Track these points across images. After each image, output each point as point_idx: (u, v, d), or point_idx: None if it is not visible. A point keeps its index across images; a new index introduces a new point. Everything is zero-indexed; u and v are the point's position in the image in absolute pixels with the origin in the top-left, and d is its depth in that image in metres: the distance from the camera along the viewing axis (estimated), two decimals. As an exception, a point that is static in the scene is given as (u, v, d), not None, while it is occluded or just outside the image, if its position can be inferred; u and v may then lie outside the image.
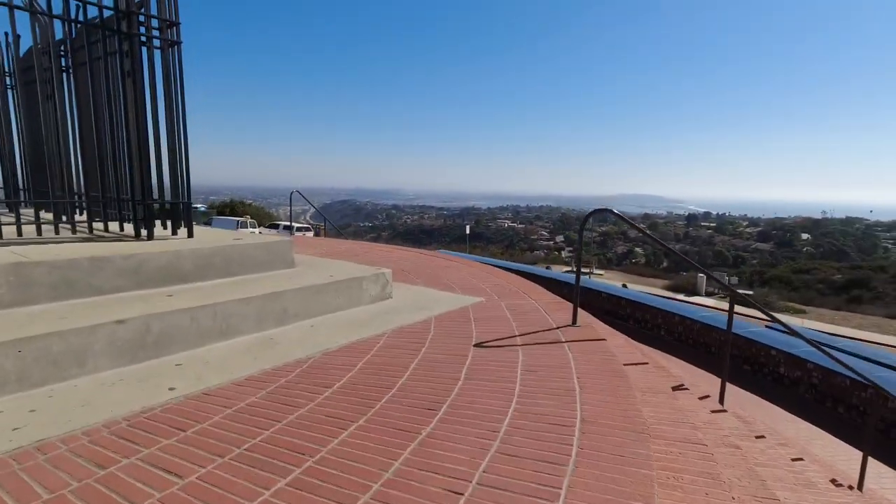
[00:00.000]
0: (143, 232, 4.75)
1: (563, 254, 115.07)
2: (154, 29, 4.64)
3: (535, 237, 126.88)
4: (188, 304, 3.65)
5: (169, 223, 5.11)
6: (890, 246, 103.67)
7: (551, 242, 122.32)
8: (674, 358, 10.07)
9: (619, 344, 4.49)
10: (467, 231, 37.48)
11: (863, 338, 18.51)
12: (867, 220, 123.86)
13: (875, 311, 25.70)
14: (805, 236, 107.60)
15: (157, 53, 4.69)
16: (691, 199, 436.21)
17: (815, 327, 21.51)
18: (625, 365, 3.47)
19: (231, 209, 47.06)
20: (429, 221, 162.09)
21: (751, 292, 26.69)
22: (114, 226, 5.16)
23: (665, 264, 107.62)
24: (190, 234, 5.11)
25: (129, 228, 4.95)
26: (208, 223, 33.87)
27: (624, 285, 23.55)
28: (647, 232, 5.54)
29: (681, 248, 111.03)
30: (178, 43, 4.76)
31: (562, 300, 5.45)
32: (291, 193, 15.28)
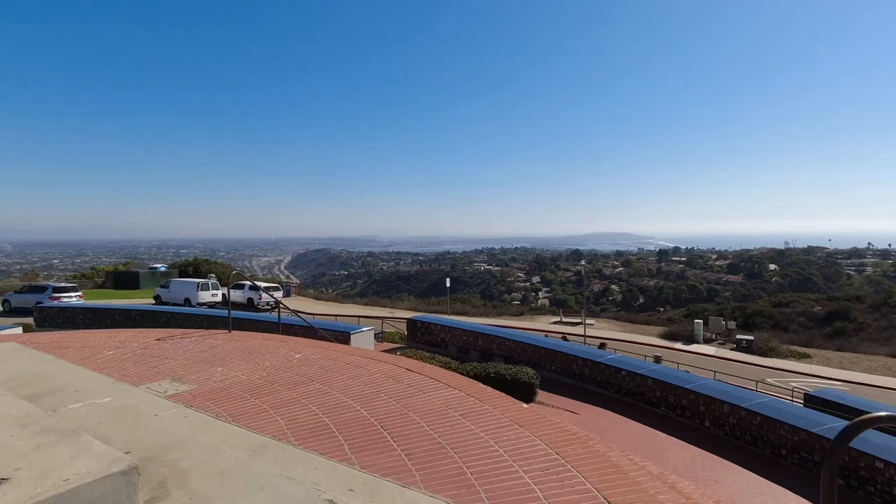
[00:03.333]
0: None
1: (541, 294, 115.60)
2: None
3: (512, 279, 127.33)
4: None
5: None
6: (852, 273, 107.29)
7: (528, 283, 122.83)
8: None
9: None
10: (448, 284, 36.80)
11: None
12: (827, 248, 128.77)
13: (871, 349, 25.93)
14: (772, 267, 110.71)
15: None
16: (660, 235, 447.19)
17: (831, 375, 21.36)
18: None
19: (194, 268, 45.46)
20: (405, 268, 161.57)
21: (751, 337, 26.23)
22: None
23: (641, 300, 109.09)
24: None
25: None
26: (166, 286, 32.68)
27: (602, 345, 22.56)
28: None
29: (655, 284, 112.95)
30: None
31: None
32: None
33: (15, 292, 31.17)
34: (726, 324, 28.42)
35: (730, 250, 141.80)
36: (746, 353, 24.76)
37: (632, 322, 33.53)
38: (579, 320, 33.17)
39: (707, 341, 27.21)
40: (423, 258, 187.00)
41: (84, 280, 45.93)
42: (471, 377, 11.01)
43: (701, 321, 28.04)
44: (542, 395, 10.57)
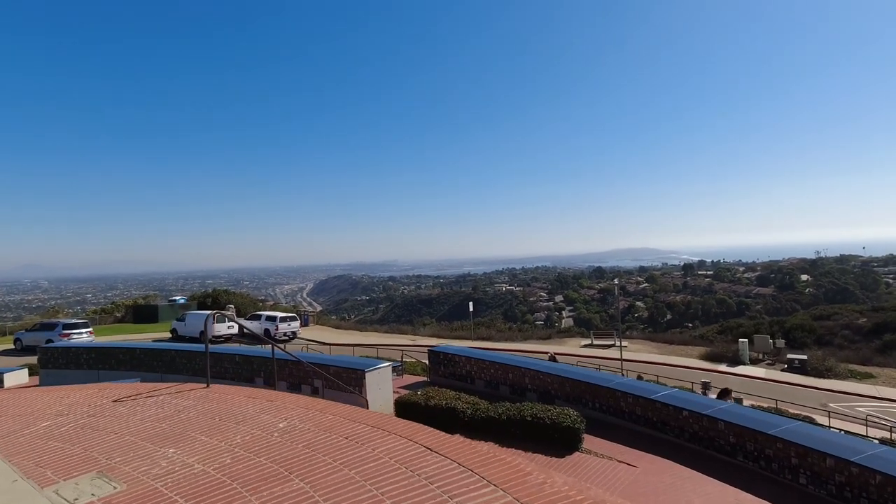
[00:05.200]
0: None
1: (564, 313, 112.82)
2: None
3: (535, 299, 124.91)
4: None
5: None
6: (891, 281, 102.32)
7: (551, 303, 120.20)
8: None
9: None
10: (471, 308, 35.29)
11: None
12: (861, 256, 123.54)
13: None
14: (805, 277, 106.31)
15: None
16: (684, 249, 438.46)
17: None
18: None
19: (213, 299, 44.74)
20: (426, 291, 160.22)
21: (804, 356, 23.92)
22: None
23: (668, 316, 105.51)
24: None
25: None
26: (182, 319, 31.81)
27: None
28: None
29: (682, 299, 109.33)
30: None
31: None
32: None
33: (26, 330, 30.63)
34: (774, 342, 26.21)
35: (758, 262, 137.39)
36: (800, 374, 22.57)
37: (668, 342, 31.40)
38: (611, 342, 31.23)
39: (754, 362, 25.02)
40: (444, 280, 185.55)
41: (104, 315, 45.65)
42: (503, 421, 9.52)
43: (746, 340, 25.87)
44: (587, 439, 9.00)
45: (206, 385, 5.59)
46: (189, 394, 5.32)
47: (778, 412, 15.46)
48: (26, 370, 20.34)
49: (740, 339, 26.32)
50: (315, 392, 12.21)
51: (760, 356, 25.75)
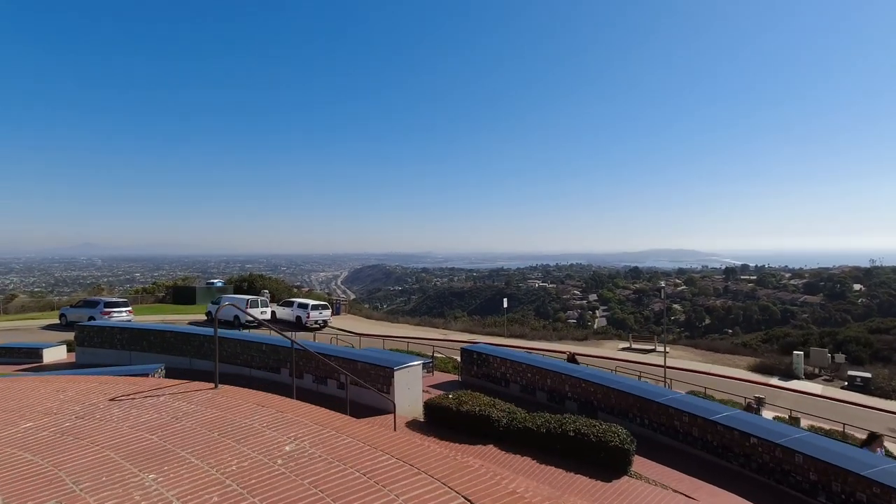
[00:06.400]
0: None
1: (598, 312, 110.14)
2: None
3: (568, 297, 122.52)
4: None
5: None
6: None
7: (584, 302, 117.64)
8: None
9: None
10: (505, 305, 34.37)
11: None
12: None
13: None
14: (857, 287, 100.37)
15: None
16: (726, 252, 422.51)
17: None
18: None
19: (249, 284, 45.17)
20: (458, 284, 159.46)
21: (867, 374, 22.06)
22: None
23: (707, 321, 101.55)
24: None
25: None
26: (217, 302, 32.02)
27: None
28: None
29: (723, 304, 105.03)
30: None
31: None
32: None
33: (71, 306, 31.41)
34: (832, 356, 24.23)
35: (806, 268, 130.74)
36: (863, 392, 20.73)
37: (712, 350, 29.63)
38: (651, 347, 29.74)
39: (809, 377, 23.18)
40: (477, 274, 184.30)
41: (146, 294, 46.73)
42: (541, 434, 8.65)
43: (801, 353, 23.99)
44: (636, 460, 8.04)
45: (213, 386, 4.95)
46: (193, 396, 4.68)
47: (844, 438, 14.02)
48: (64, 347, 20.63)
49: (795, 352, 24.44)
50: (341, 387, 11.61)
51: (816, 371, 23.84)
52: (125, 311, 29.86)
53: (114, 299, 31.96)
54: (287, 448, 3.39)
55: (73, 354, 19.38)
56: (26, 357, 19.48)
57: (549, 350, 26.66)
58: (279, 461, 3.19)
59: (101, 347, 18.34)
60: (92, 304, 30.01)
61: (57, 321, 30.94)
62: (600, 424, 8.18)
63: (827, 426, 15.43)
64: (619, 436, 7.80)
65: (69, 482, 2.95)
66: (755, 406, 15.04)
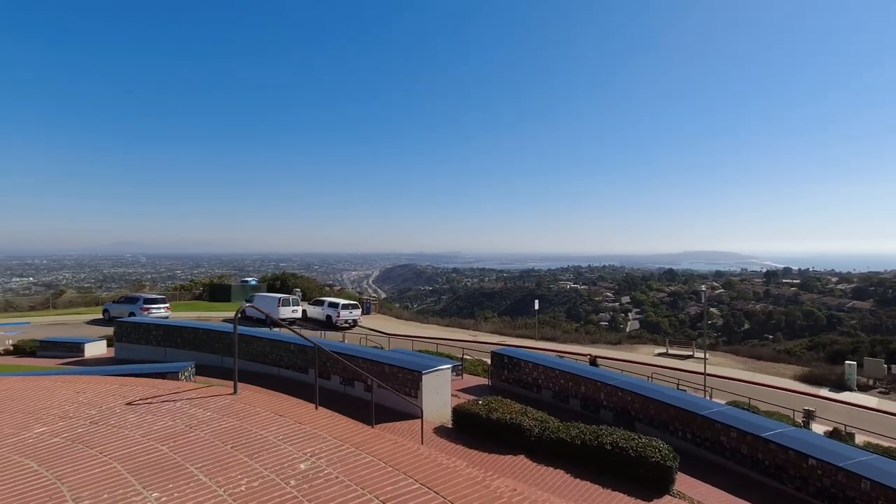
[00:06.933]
0: None
1: (631, 315, 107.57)
2: None
3: (600, 299, 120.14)
4: None
5: None
6: None
7: (617, 304, 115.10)
8: None
9: None
10: (536, 306, 33.81)
11: None
12: None
13: None
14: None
15: None
16: (767, 255, 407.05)
17: None
18: None
19: (282, 282, 45.80)
20: (489, 284, 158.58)
21: None
22: None
23: (746, 326, 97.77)
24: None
25: None
26: (250, 300, 32.48)
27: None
28: None
29: (763, 308, 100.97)
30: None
31: None
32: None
33: (114, 302, 32.41)
34: (889, 367, 22.71)
35: (854, 272, 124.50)
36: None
37: (754, 357, 28.26)
38: (689, 353, 28.62)
39: (862, 388, 21.75)
40: (508, 275, 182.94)
41: (184, 291, 47.96)
42: (576, 446, 8.18)
43: (854, 363, 22.57)
44: (679, 477, 7.50)
45: (232, 392, 4.75)
46: (211, 402, 4.48)
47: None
48: (105, 342, 21.20)
49: (847, 361, 23.02)
50: (368, 390, 11.40)
51: (871, 382, 22.36)
52: (163, 308, 30.59)
53: (153, 296, 32.78)
54: (302, 466, 3.12)
55: (113, 349, 19.86)
56: (69, 351, 20.12)
57: (581, 354, 25.95)
58: (292, 482, 2.92)
59: (137, 343, 18.73)
60: (132, 301, 30.86)
61: (101, 316, 31.96)
62: (639, 438, 7.69)
63: (885, 443, 14.37)
64: (660, 451, 7.28)
65: (69, 498, 2.75)
66: (806, 420, 14.15)
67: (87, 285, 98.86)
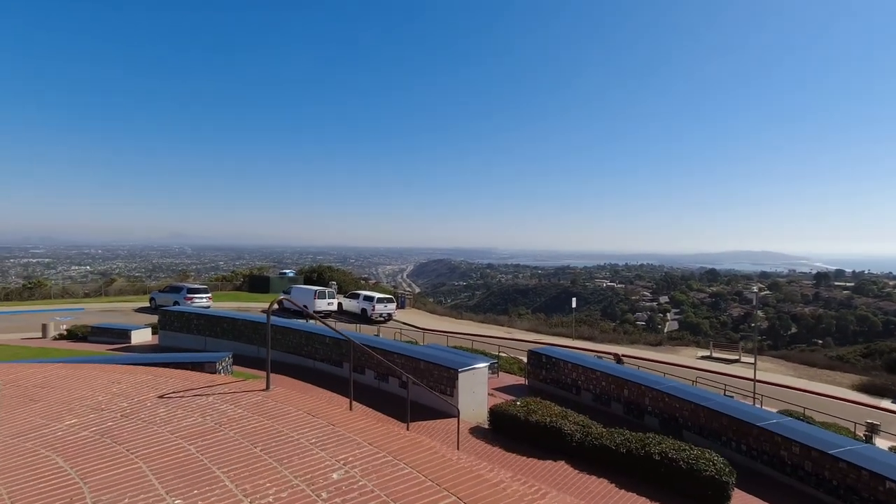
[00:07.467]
0: None
1: (669, 315, 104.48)
2: None
3: (637, 298, 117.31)
4: None
5: None
6: None
7: (655, 303, 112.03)
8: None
9: None
10: (573, 304, 33.08)
11: None
12: None
13: None
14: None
15: None
16: (817, 256, 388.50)
17: None
18: None
19: (318, 275, 46.43)
20: (523, 281, 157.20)
21: None
22: None
23: (793, 330, 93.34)
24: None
25: None
26: (287, 292, 32.94)
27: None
28: None
29: (812, 312, 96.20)
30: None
31: None
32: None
33: (159, 291, 33.52)
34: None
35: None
36: None
37: (807, 363, 26.77)
38: (734, 357, 27.36)
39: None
40: (542, 272, 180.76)
41: (225, 282, 49.30)
42: (620, 455, 7.73)
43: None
44: (735, 493, 6.96)
45: (265, 388, 4.57)
46: (242, 398, 4.31)
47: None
48: (150, 329, 21.88)
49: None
50: (403, 386, 11.21)
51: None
52: (205, 298, 31.41)
53: (196, 286, 33.70)
54: (334, 476, 2.87)
55: (157, 337, 20.45)
56: (117, 337, 20.91)
57: (608, 353, 25.17)
58: (323, 494, 2.67)
59: (180, 332, 19.18)
60: (176, 290, 31.82)
61: (147, 304, 33.11)
62: (690, 448, 7.18)
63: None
64: (715, 465, 6.77)
65: (89, 500, 2.58)
66: (867, 433, 13.21)
67: (137, 275, 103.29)
